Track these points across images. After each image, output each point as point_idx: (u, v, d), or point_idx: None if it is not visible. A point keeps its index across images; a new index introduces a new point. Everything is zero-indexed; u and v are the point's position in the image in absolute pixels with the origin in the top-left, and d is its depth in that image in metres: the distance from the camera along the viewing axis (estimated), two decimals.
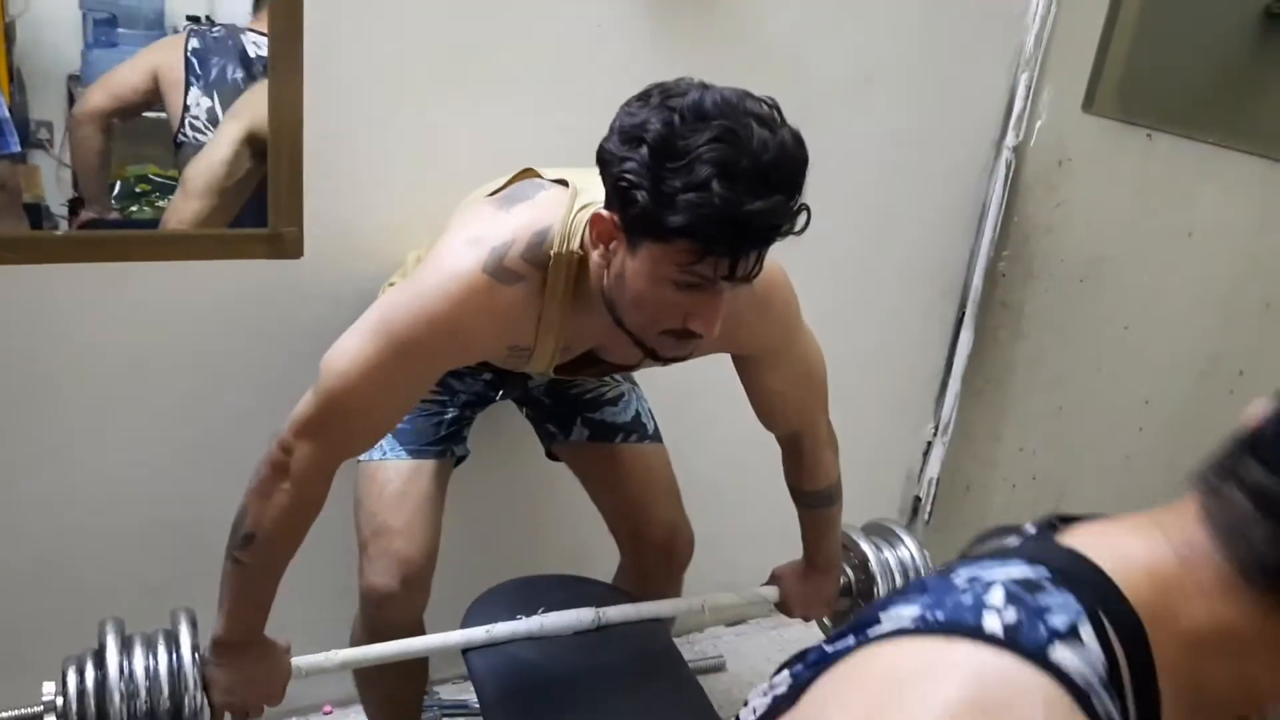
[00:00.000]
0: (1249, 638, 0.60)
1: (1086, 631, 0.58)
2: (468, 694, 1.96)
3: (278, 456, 1.20)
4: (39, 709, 1.20)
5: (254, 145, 1.58)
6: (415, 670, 1.63)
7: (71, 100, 1.72)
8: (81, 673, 1.21)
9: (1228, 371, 1.87)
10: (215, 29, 1.67)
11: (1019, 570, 0.61)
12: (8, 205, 1.56)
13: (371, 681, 1.62)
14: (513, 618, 1.39)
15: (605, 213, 1.11)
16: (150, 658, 1.22)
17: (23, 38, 1.68)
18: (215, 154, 1.61)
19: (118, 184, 1.87)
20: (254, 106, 1.56)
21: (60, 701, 1.19)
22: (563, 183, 1.27)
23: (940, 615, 0.59)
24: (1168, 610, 0.60)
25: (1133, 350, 2.03)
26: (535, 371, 1.34)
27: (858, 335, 2.10)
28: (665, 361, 1.22)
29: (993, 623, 0.57)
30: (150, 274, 1.57)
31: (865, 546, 1.66)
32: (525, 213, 1.23)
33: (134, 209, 1.73)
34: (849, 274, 2.19)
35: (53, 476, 1.62)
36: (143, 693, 1.20)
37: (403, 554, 1.46)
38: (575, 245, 1.19)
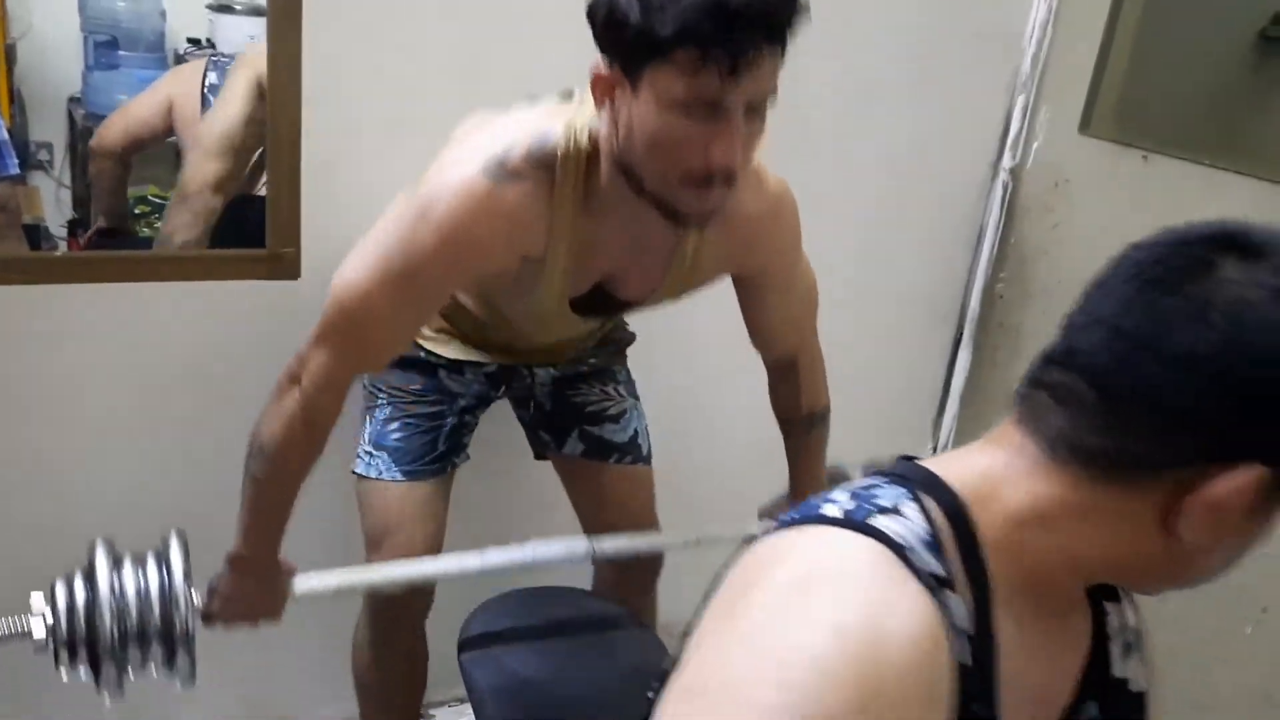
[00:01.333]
0: (1059, 511, 0.69)
1: (909, 508, 0.69)
2: (465, 717, 1.95)
3: (292, 367, 1.23)
4: (27, 624, 1.16)
5: (262, 93, 1.57)
6: (415, 679, 1.63)
7: (72, 122, 1.73)
8: (71, 589, 1.17)
9: None
10: (229, 59, 1.67)
11: (865, 480, 0.73)
12: (7, 226, 1.57)
13: (371, 690, 1.61)
14: (512, 627, 1.38)
15: (602, 68, 1.08)
16: (141, 576, 1.19)
17: (23, 60, 1.69)
18: (227, 109, 1.61)
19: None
20: (259, 56, 1.55)
21: (49, 617, 1.15)
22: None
23: (795, 514, 0.71)
24: (992, 494, 0.70)
25: None
26: (546, 308, 1.29)
27: (855, 356, 2.09)
28: (689, 219, 1.13)
29: (831, 510, 0.69)
30: (148, 294, 1.58)
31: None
32: (525, 118, 1.21)
33: (133, 229, 1.73)
34: (846, 295, 2.18)
35: (49, 498, 1.61)
36: (133, 611, 1.16)
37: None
38: (584, 142, 1.16)
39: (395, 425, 1.49)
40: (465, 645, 1.36)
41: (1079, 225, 2.13)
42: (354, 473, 1.51)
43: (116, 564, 1.19)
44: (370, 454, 1.50)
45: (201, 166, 1.62)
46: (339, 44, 1.54)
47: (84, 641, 1.14)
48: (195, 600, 1.22)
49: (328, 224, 1.62)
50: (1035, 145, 2.20)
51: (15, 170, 1.57)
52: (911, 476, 0.72)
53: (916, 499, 0.69)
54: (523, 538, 1.97)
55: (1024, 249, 2.22)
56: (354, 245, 1.67)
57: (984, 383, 2.35)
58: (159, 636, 1.17)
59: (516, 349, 1.48)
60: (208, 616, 1.25)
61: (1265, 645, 1.80)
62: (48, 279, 1.51)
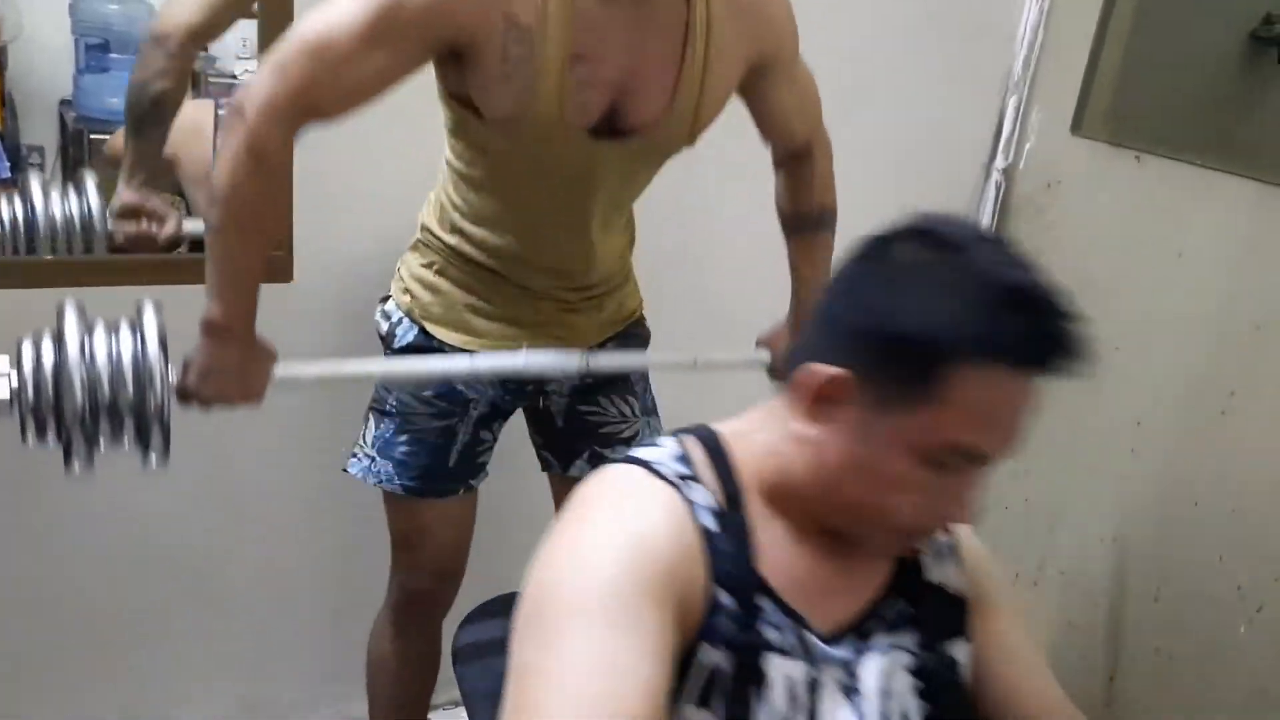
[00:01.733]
0: (779, 440, 0.91)
1: (667, 441, 0.95)
2: None
3: (237, 98, 1.14)
4: None
5: None
6: (428, 676, 1.64)
7: (63, 125, 1.73)
8: (39, 351, 1.09)
9: (1219, 393, 1.86)
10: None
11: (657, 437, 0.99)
12: None
13: (384, 684, 1.62)
14: (507, 632, 1.37)
15: None
16: (114, 342, 1.12)
17: (14, 63, 1.68)
18: None
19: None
20: None
21: (14, 380, 1.08)
22: None
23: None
24: (749, 434, 0.95)
25: (1124, 372, 2.02)
26: (549, 120, 1.19)
27: None
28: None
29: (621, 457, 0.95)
30: (134, 298, 1.56)
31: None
32: None
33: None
34: None
35: (37, 507, 1.61)
36: (105, 382, 1.09)
37: (434, 564, 1.54)
38: None
39: (404, 438, 1.45)
40: (459, 649, 1.36)
41: (1072, 226, 2.13)
42: (345, 470, 1.49)
43: (88, 329, 1.12)
44: (373, 459, 1.47)
45: (178, 6, 1.57)
46: None
47: (51, 409, 1.07)
48: (170, 375, 1.15)
49: (320, 226, 1.61)
50: (1028, 146, 2.21)
51: (6, 173, 1.56)
52: (688, 429, 0.97)
53: (677, 437, 0.95)
54: (530, 545, 1.98)
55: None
56: (347, 249, 1.68)
57: None
58: (130, 409, 1.10)
59: (539, 267, 1.39)
60: (183, 392, 1.18)
61: (1260, 644, 1.81)
62: (34, 284, 1.50)
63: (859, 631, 0.93)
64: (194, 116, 1.62)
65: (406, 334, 1.44)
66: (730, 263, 1.98)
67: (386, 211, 1.63)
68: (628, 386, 1.55)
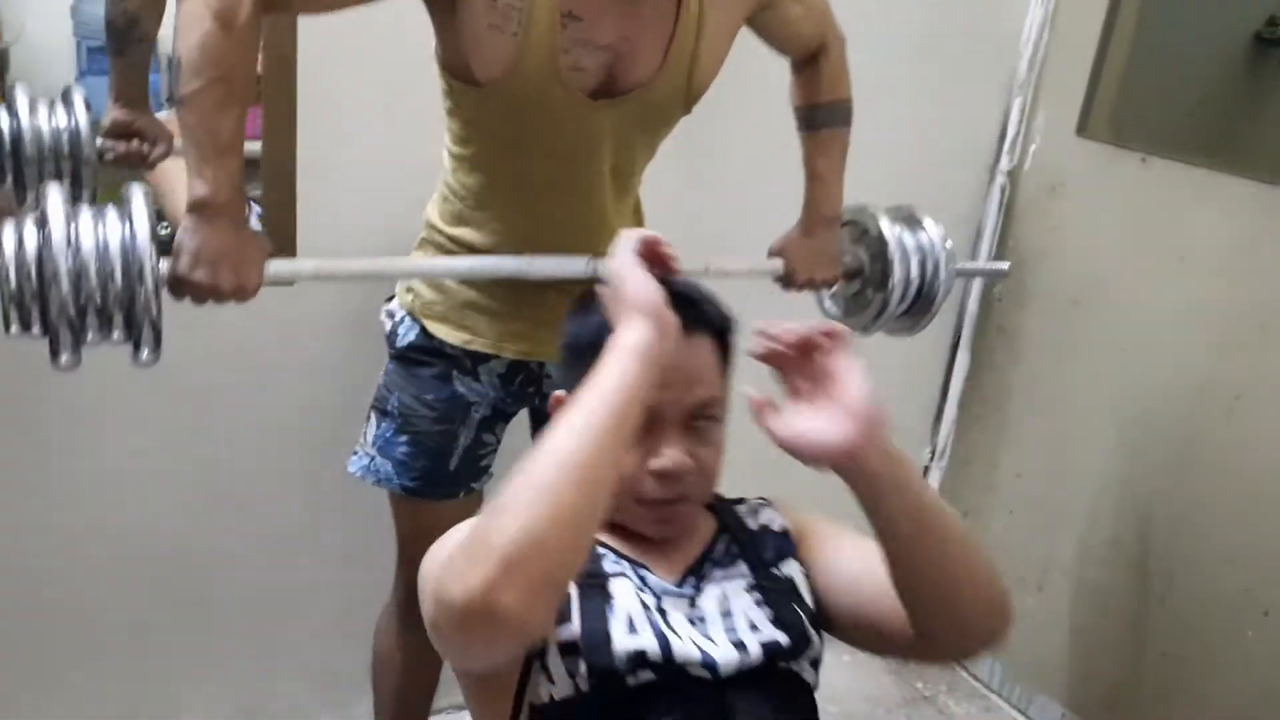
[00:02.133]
0: None
1: None
2: None
3: None
4: None
5: None
6: (432, 673, 1.62)
7: None
8: (21, 234, 1.02)
9: (1224, 394, 1.86)
10: None
11: None
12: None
13: (389, 680, 1.61)
14: None
15: None
16: (101, 228, 1.05)
17: (16, 64, 1.68)
18: None
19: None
20: None
21: None
22: None
23: None
24: None
25: (1129, 373, 2.02)
26: (533, 69, 1.18)
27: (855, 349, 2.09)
28: None
29: None
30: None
31: (884, 224, 1.52)
32: None
33: None
34: None
35: (35, 506, 1.60)
36: (92, 270, 1.02)
37: None
38: None
39: (404, 439, 1.44)
40: None
41: (1077, 228, 2.13)
42: (349, 471, 1.49)
43: (72, 215, 1.05)
44: (372, 458, 1.46)
45: None
46: (333, 45, 1.53)
47: (35, 298, 1.01)
48: (160, 265, 1.08)
49: (324, 227, 1.61)
50: (1032, 148, 2.20)
51: None
52: None
53: None
54: None
55: (1022, 252, 2.22)
56: (350, 252, 1.66)
57: (982, 386, 2.34)
58: (118, 300, 1.04)
59: (544, 249, 1.34)
60: (174, 280, 1.10)
61: (1267, 648, 1.80)
62: None
63: (696, 574, 1.04)
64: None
65: (408, 333, 1.44)
66: (740, 250, 1.96)
67: (393, 212, 1.62)
68: None
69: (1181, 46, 1.98)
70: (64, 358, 1.03)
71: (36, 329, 1.02)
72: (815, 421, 0.92)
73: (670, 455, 1.00)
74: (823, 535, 1.11)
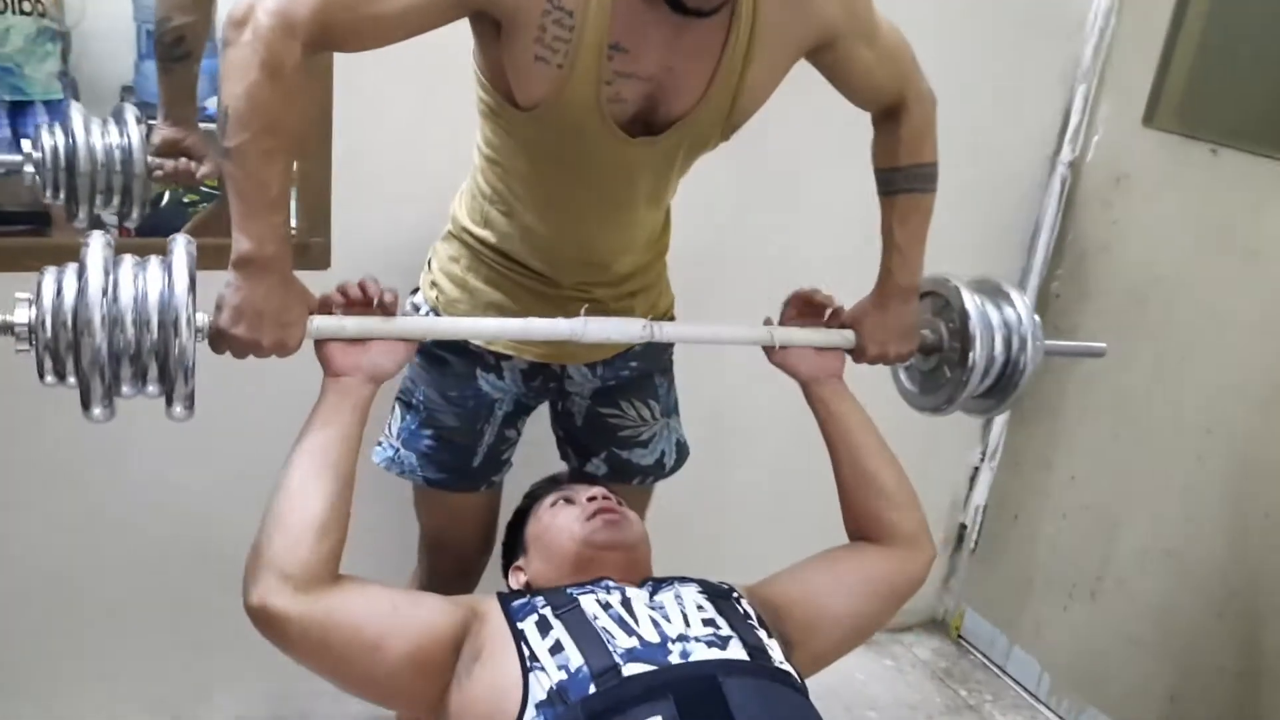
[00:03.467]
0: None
1: None
2: None
3: (241, 9, 1.04)
4: (9, 318, 1.01)
5: None
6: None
7: None
8: (60, 284, 1.01)
9: None
10: None
11: None
12: None
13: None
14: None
15: None
16: (141, 279, 1.03)
17: (77, 48, 1.69)
18: None
19: (165, 195, 1.86)
20: None
21: (32, 313, 1.00)
22: None
23: None
24: None
25: (1193, 376, 1.93)
26: (576, 100, 1.15)
27: None
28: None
29: None
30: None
31: (966, 296, 1.41)
32: None
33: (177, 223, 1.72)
34: None
35: (68, 495, 1.61)
36: (129, 323, 1.01)
37: (457, 555, 1.55)
38: None
39: (429, 433, 1.43)
40: None
41: (1141, 222, 2.04)
42: (374, 461, 1.47)
43: (113, 264, 1.03)
44: (397, 450, 1.45)
45: None
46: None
47: (69, 348, 1.00)
48: (199, 319, 1.07)
49: (359, 213, 1.59)
50: (1096, 138, 2.12)
51: None
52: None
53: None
54: None
55: (1082, 247, 2.14)
56: (385, 237, 1.65)
57: (1037, 387, 2.25)
58: (153, 352, 1.02)
59: (570, 258, 1.35)
60: (215, 334, 1.09)
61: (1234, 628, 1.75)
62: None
63: (651, 584, 1.21)
64: None
65: None
66: (762, 266, 1.91)
67: (425, 200, 1.59)
68: (650, 389, 1.52)
69: (1256, 31, 1.88)
70: (95, 410, 1.03)
71: (71, 379, 1.02)
72: (803, 361, 1.37)
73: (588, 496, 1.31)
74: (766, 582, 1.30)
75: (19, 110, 1.63)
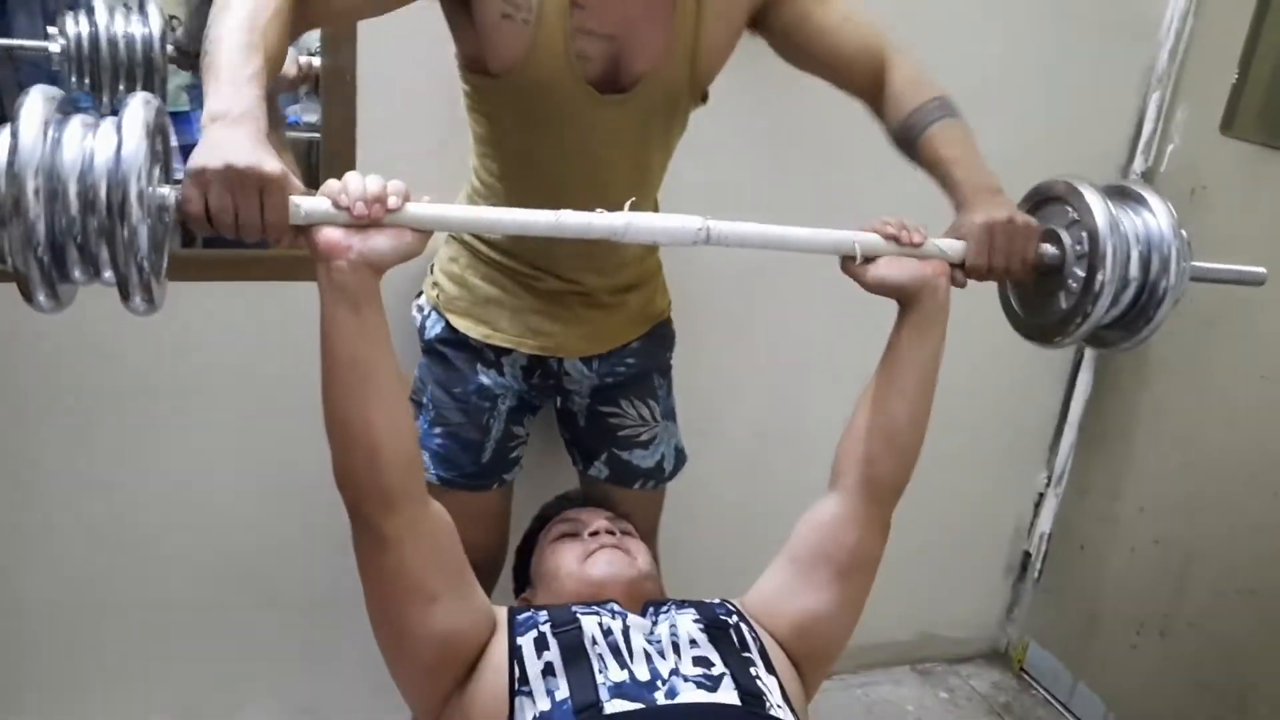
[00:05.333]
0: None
1: None
2: None
3: None
4: None
5: None
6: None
7: None
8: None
9: None
10: None
11: None
12: None
13: None
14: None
15: None
16: (89, 139, 0.84)
17: None
18: None
19: None
20: None
21: None
22: None
23: None
24: None
25: (1272, 404, 1.79)
26: (545, 57, 1.16)
27: (961, 374, 1.91)
28: None
29: None
30: (199, 295, 1.56)
31: (1093, 200, 1.15)
32: None
33: None
34: (955, 313, 2.01)
35: (102, 502, 1.63)
36: (70, 196, 0.83)
37: (471, 557, 1.49)
38: None
39: (438, 430, 1.46)
40: None
41: (1218, 235, 1.90)
42: None
43: (56, 120, 0.85)
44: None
45: None
46: (394, 49, 1.51)
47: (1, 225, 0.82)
48: (162, 192, 0.87)
49: None
50: (1171, 147, 2.00)
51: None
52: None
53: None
54: None
55: None
56: None
57: (1106, 409, 2.14)
58: (101, 235, 0.83)
59: (560, 252, 1.33)
60: (182, 199, 0.88)
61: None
62: None
63: (655, 608, 1.21)
64: None
65: (434, 326, 1.46)
66: (759, 267, 1.85)
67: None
68: (649, 388, 1.53)
69: None
70: (40, 298, 0.85)
71: (6, 262, 0.84)
72: (900, 263, 1.15)
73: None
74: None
75: None
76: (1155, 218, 1.17)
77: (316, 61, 1.67)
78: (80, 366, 1.54)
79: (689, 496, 1.68)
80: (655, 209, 1.44)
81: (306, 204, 0.95)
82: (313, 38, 1.65)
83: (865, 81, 1.29)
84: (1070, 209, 1.18)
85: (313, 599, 1.79)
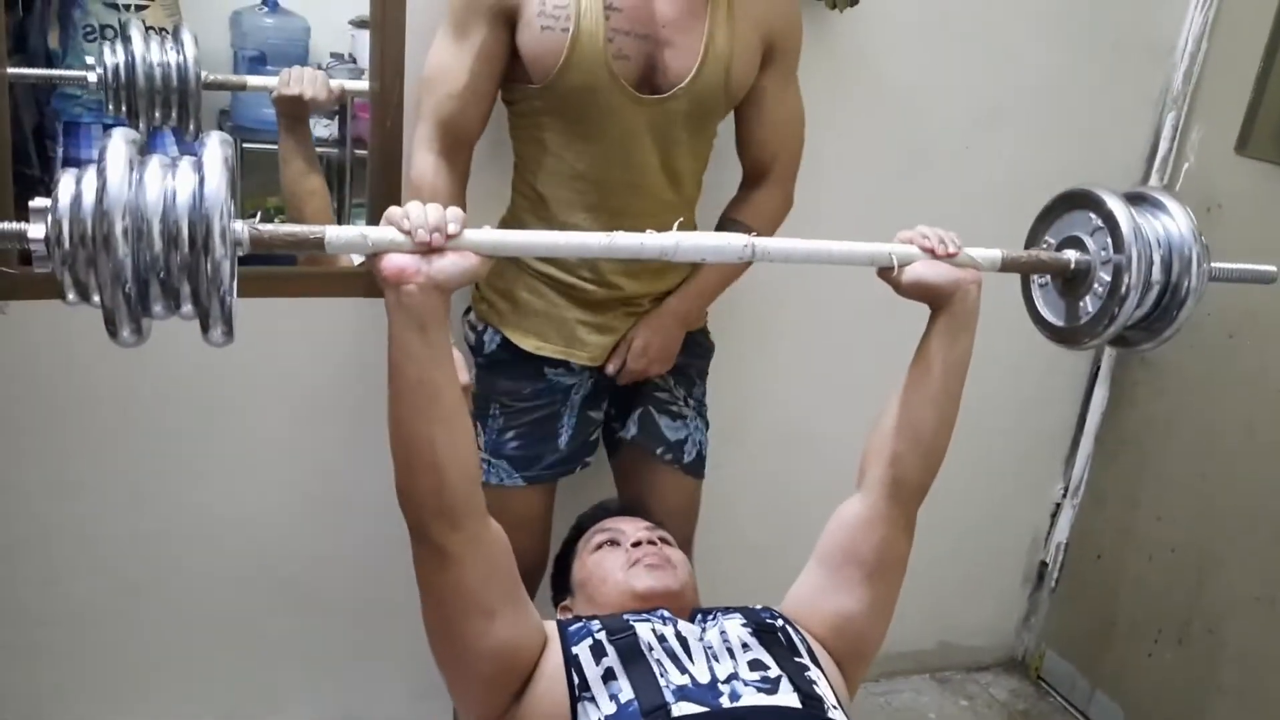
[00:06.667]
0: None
1: None
2: None
3: (414, 160, 1.38)
4: (26, 226, 0.87)
5: None
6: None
7: None
8: (80, 184, 0.87)
9: None
10: None
11: None
12: None
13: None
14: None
15: None
16: (170, 181, 0.88)
17: None
18: None
19: (258, 214, 1.92)
20: None
21: (50, 221, 0.86)
22: None
23: None
24: None
25: None
26: (585, 60, 1.29)
27: (978, 384, 1.94)
28: None
29: None
30: (246, 311, 1.58)
31: (1115, 205, 1.20)
32: None
33: None
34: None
35: (148, 514, 1.65)
36: (155, 235, 0.85)
37: (519, 558, 1.52)
38: None
39: (511, 434, 1.50)
40: None
41: (1233, 254, 1.91)
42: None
43: (138, 163, 0.89)
44: (489, 461, 1.51)
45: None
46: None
47: (89, 264, 0.85)
48: (237, 229, 0.90)
49: None
50: (1186, 166, 2.04)
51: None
52: None
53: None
54: None
55: None
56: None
57: (1122, 422, 2.18)
58: (184, 271, 0.87)
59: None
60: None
61: None
62: None
63: (701, 614, 1.24)
64: None
65: (492, 341, 1.50)
66: (786, 275, 1.87)
67: (481, 221, 1.62)
68: (688, 381, 1.60)
69: None
70: (124, 333, 0.89)
71: (95, 298, 0.87)
72: (934, 267, 1.18)
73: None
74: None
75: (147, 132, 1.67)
76: (1175, 221, 1.23)
77: (348, 85, 1.74)
78: (123, 377, 1.56)
79: (716, 502, 1.71)
80: (693, 223, 1.50)
81: (374, 233, 0.99)
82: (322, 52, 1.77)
83: (752, 167, 1.53)
84: (1093, 215, 1.23)
85: (352, 607, 1.81)
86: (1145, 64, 2.04)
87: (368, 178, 1.62)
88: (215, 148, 0.91)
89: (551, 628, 1.18)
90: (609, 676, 1.09)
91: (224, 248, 0.88)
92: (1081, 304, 1.25)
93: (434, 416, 1.04)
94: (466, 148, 1.39)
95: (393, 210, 1.01)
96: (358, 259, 1.70)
